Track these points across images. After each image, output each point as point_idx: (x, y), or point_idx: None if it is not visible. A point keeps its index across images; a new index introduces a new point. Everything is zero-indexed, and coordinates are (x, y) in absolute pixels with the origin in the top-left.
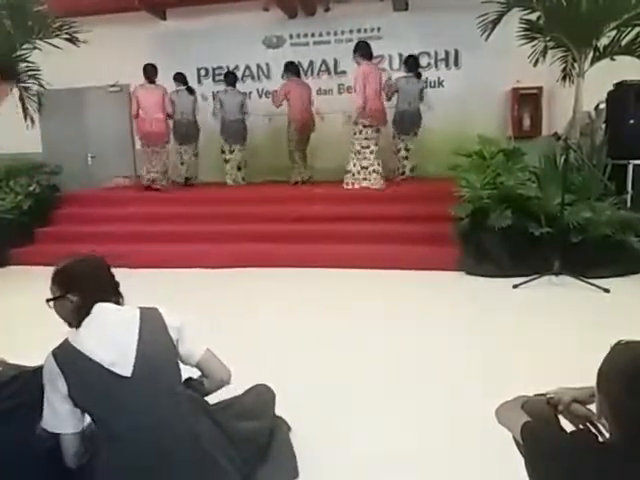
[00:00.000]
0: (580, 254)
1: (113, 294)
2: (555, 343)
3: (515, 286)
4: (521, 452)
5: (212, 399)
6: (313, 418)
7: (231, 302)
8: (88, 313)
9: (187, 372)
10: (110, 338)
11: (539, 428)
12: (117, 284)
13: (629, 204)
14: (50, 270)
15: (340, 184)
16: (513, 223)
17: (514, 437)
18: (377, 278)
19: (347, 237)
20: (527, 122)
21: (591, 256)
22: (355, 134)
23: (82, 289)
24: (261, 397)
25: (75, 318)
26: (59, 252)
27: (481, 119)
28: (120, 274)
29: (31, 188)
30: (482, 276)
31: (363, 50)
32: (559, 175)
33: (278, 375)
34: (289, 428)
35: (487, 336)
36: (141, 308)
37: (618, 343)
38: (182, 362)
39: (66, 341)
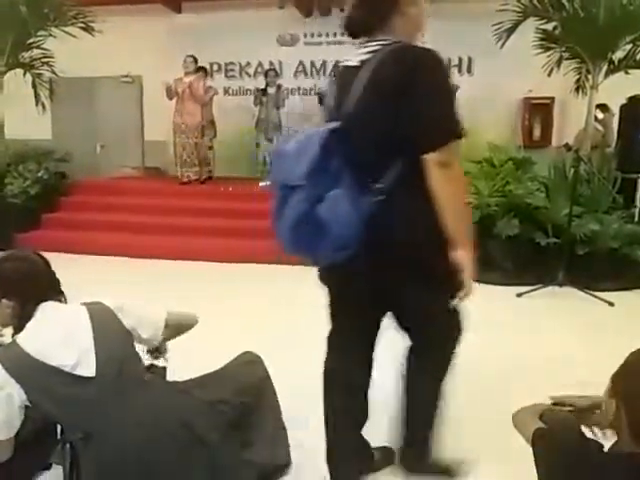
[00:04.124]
0: (585, 266)
1: (55, 294)
2: (556, 354)
3: (519, 295)
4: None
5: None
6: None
7: (225, 294)
8: (31, 316)
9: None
10: (65, 339)
11: (552, 435)
12: (58, 282)
13: (637, 218)
14: (55, 256)
15: None
16: (520, 232)
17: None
18: None
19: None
20: (537, 132)
21: (596, 268)
22: None
23: (19, 293)
24: (243, 365)
25: (17, 323)
26: (64, 239)
27: (492, 126)
28: (122, 263)
29: (39, 174)
30: (486, 284)
31: None
32: (568, 186)
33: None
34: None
35: (485, 344)
36: (86, 304)
37: (637, 350)
38: (150, 344)
39: (15, 347)
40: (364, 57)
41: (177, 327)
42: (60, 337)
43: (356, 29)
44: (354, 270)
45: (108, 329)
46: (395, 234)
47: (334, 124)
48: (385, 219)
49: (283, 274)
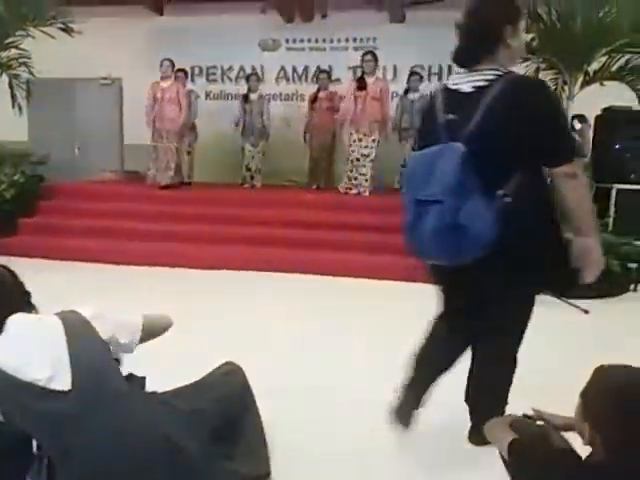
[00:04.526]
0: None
1: (24, 307)
2: (530, 362)
3: None
4: (507, 469)
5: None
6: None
7: (207, 304)
8: (0, 331)
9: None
10: (38, 352)
11: (527, 446)
12: (27, 294)
13: (611, 228)
14: (33, 262)
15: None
16: None
17: (501, 453)
18: (367, 287)
19: (339, 245)
20: None
21: (573, 275)
22: (373, 141)
23: None
24: (224, 375)
25: None
26: (42, 244)
27: None
28: (100, 270)
29: (15, 177)
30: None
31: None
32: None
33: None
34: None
35: None
36: (60, 314)
37: (600, 367)
38: (128, 349)
39: None
40: (478, 84)
41: (152, 330)
42: (32, 350)
43: (465, 60)
44: (478, 267)
45: (83, 340)
46: (519, 232)
47: (458, 143)
48: (511, 220)
49: (260, 280)
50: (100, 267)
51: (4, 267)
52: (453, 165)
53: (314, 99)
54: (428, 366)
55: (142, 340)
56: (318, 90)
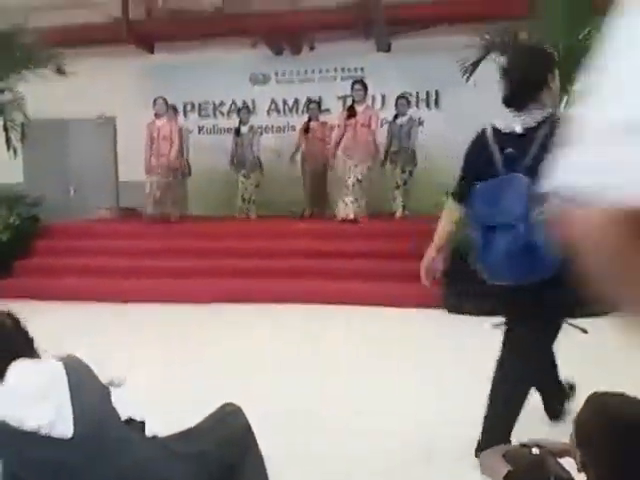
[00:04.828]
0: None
1: (28, 353)
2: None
3: (495, 325)
4: None
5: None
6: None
7: (208, 338)
8: (2, 378)
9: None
10: (40, 398)
11: (521, 478)
12: (31, 340)
13: None
14: (29, 304)
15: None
16: None
17: None
18: (359, 314)
19: (329, 273)
20: None
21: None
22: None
23: None
24: (224, 417)
25: None
26: (39, 285)
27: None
28: (98, 308)
29: (11, 220)
30: (463, 314)
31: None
32: None
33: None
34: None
35: (459, 375)
36: (62, 358)
37: (593, 394)
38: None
39: None
40: (528, 125)
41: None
42: (34, 396)
43: (516, 104)
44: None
45: (85, 385)
46: None
47: (519, 174)
48: None
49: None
50: (98, 306)
51: (8, 314)
52: (520, 193)
53: (306, 129)
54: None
55: None
56: (309, 120)
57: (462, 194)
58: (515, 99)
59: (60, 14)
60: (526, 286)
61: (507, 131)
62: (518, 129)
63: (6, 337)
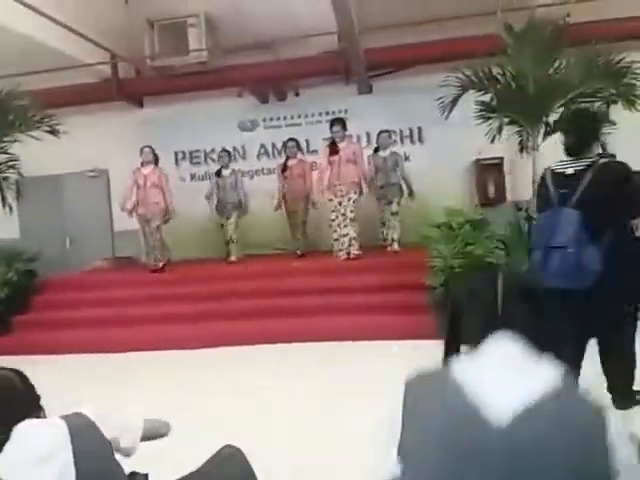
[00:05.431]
0: None
1: (32, 412)
2: None
3: None
4: None
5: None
6: None
7: (207, 383)
8: (5, 440)
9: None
10: (43, 460)
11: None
12: (37, 398)
13: None
14: (28, 359)
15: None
16: None
17: None
18: (356, 350)
19: (324, 309)
20: (492, 190)
21: None
22: (352, 202)
23: None
24: (224, 460)
25: None
26: (37, 341)
27: (448, 189)
28: (96, 360)
29: (9, 276)
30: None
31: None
32: (524, 241)
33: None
34: None
35: None
36: (66, 417)
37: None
38: (126, 452)
39: None
40: (579, 168)
41: (151, 435)
42: (36, 458)
43: (575, 153)
44: (589, 293)
45: (89, 443)
46: (617, 265)
47: (570, 209)
48: (611, 257)
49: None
50: (96, 357)
51: (15, 371)
52: (572, 222)
53: (284, 168)
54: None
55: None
56: (287, 159)
57: None
58: (575, 149)
59: (52, 76)
60: (575, 290)
61: (561, 172)
62: (570, 171)
63: (15, 398)
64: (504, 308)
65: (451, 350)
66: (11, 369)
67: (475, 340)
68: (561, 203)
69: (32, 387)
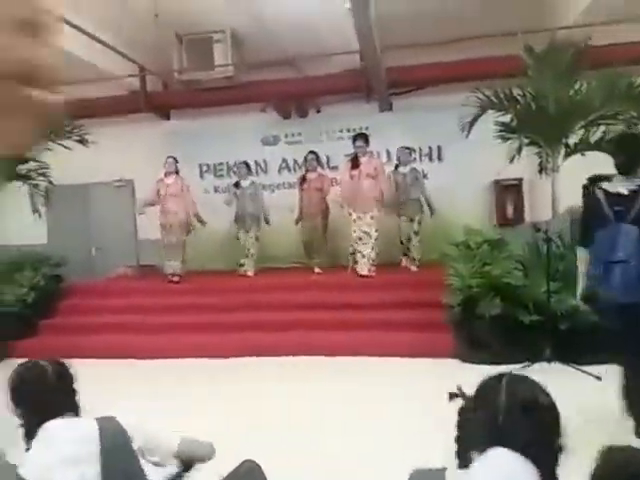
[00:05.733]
0: (570, 341)
1: (68, 407)
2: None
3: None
4: None
5: None
6: None
7: (232, 393)
8: (33, 435)
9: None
10: (70, 460)
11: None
12: (74, 393)
13: None
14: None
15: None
16: (503, 311)
17: None
18: (373, 366)
19: (342, 325)
20: (510, 211)
21: (582, 343)
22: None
23: (24, 404)
24: (242, 476)
25: (24, 436)
26: (63, 344)
27: (466, 208)
28: (123, 365)
29: (36, 280)
30: (476, 363)
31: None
32: (543, 263)
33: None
34: None
35: None
36: (98, 419)
37: (608, 448)
38: (159, 464)
39: (13, 476)
40: (632, 188)
41: (189, 456)
42: (63, 458)
43: (625, 172)
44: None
45: (117, 449)
46: None
47: (628, 225)
48: None
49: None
50: (120, 363)
51: (57, 363)
52: (632, 238)
53: (302, 180)
54: None
55: (184, 465)
56: (306, 171)
57: (587, 242)
58: (626, 168)
59: (83, 87)
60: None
61: (614, 192)
62: (623, 190)
63: (44, 390)
64: (505, 421)
65: (460, 450)
66: (55, 361)
67: (476, 448)
68: (618, 220)
69: (69, 381)
